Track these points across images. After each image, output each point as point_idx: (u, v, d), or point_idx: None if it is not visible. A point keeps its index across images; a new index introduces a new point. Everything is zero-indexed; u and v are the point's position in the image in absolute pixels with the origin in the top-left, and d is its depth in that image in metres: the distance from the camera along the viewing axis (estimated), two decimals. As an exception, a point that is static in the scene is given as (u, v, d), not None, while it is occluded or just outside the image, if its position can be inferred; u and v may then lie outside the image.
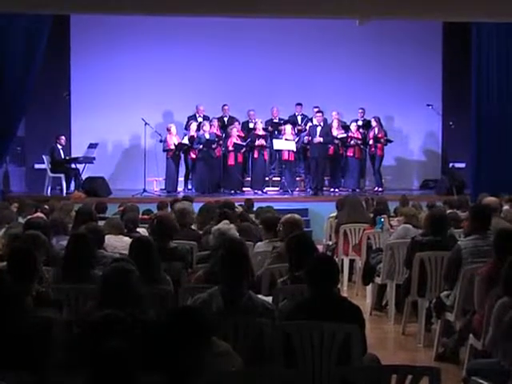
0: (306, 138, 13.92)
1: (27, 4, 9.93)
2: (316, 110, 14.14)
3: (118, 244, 6.16)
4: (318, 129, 13.65)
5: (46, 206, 9.07)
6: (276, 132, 14.34)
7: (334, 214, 9.59)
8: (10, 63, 12.19)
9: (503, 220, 7.23)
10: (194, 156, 13.85)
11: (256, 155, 13.96)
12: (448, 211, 8.14)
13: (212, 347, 3.13)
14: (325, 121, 14.02)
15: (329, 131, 13.83)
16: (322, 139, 13.57)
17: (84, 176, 13.81)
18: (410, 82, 15.01)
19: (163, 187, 14.11)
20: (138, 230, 6.93)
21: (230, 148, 13.74)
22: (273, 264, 5.44)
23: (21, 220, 7.52)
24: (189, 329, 3.04)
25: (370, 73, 14.99)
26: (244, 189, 14.10)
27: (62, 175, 13.61)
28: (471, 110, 13.20)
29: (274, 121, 14.51)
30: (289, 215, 6.06)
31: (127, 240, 6.17)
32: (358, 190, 13.98)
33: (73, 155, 14.30)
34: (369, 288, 7.78)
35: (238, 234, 5.52)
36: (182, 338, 3.03)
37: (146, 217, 8.47)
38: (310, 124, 14.10)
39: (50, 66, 13.42)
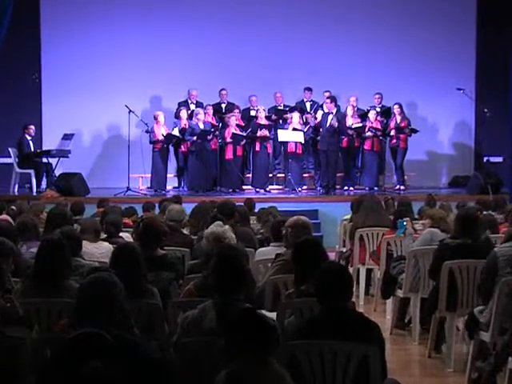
0: (311, 129, 13.90)
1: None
2: (326, 94, 14.15)
3: (96, 251, 6.19)
4: (330, 117, 13.66)
5: (13, 207, 9.10)
6: (281, 121, 14.36)
7: (349, 217, 9.61)
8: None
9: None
10: (185, 149, 13.86)
11: (258, 148, 13.97)
12: (482, 213, 8.13)
13: None
14: (337, 108, 14.03)
15: (342, 120, 13.83)
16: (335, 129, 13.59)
17: (57, 172, 13.82)
18: (437, 62, 14.98)
19: (150, 185, 14.13)
20: (120, 234, 6.96)
21: (228, 140, 13.74)
22: (277, 274, 5.42)
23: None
24: None
25: (389, 52, 15.00)
26: (244, 187, 14.14)
27: (32, 171, 13.62)
28: (510, 94, 13.18)
29: (279, 108, 14.52)
30: (296, 217, 6.04)
31: (108, 246, 6.20)
32: (376, 189, 14.01)
33: (44, 148, 14.31)
34: (389, 302, 7.81)
35: (234, 237, 5.51)
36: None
37: (129, 220, 8.49)
38: (321, 112, 14.10)
39: (16, 45, 13.42)
